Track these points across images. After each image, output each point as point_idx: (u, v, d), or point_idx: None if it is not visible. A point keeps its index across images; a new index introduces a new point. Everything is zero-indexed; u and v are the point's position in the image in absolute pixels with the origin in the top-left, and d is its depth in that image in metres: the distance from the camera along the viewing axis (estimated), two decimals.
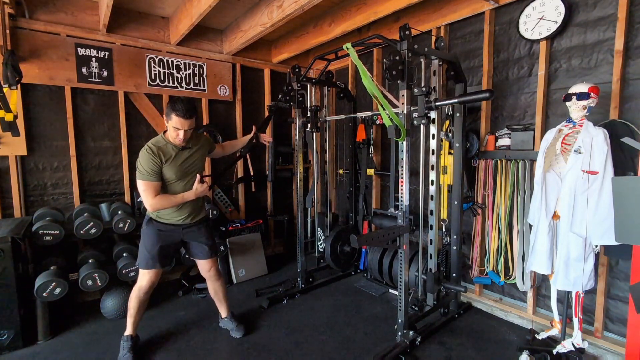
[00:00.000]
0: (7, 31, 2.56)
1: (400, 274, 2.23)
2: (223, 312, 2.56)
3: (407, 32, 2.02)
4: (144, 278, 2.20)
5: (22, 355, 2.29)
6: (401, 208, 2.19)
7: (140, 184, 2.03)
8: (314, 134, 3.35)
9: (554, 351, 2.08)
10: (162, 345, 2.40)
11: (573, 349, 2.04)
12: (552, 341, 2.23)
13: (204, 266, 2.40)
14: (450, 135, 2.58)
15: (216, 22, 3.43)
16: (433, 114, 2.29)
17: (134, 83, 3.21)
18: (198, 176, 2.21)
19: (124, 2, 2.98)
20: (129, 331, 2.26)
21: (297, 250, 3.24)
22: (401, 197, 2.19)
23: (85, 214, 2.75)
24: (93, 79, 3.00)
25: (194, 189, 2.18)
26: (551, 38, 2.34)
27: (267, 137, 2.88)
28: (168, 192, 2.14)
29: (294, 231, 4.20)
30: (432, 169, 2.36)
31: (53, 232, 2.49)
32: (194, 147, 2.23)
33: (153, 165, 2.02)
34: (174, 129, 2.03)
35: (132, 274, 2.73)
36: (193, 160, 2.22)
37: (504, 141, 2.53)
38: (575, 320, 2.03)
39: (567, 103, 1.96)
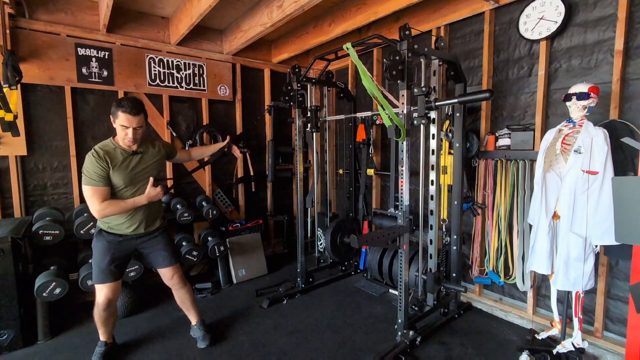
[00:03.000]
0: (7, 31, 2.56)
1: (400, 274, 2.23)
2: (192, 319, 2.45)
3: (407, 32, 2.02)
4: (99, 294, 2.08)
5: (22, 355, 2.29)
6: (401, 208, 2.19)
7: (86, 190, 1.91)
8: (314, 134, 3.35)
9: (554, 351, 2.08)
10: (162, 345, 2.40)
11: (573, 349, 2.04)
12: (552, 341, 2.23)
13: (166, 274, 2.26)
14: (450, 135, 2.58)
15: (216, 22, 3.43)
16: (433, 114, 2.29)
17: (134, 83, 3.21)
18: (151, 179, 2.07)
19: (124, 2, 2.98)
20: (102, 337, 2.21)
21: (297, 250, 3.24)
22: (401, 197, 2.19)
23: (85, 214, 2.75)
24: (93, 79, 3.00)
25: (146, 193, 2.04)
26: (551, 38, 2.34)
27: (237, 152, 2.68)
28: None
29: (294, 231, 4.20)
30: (432, 169, 2.36)
31: (53, 232, 2.49)
32: (146, 152, 2.10)
33: (98, 169, 1.91)
34: (122, 127, 1.93)
35: (132, 273, 2.73)
36: (144, 167, 2.08)
37: (504, 141, 2.53)
38: (575, 320, 2.03)
39: (567, 103, 1.96)
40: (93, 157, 1.92)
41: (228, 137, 2.71)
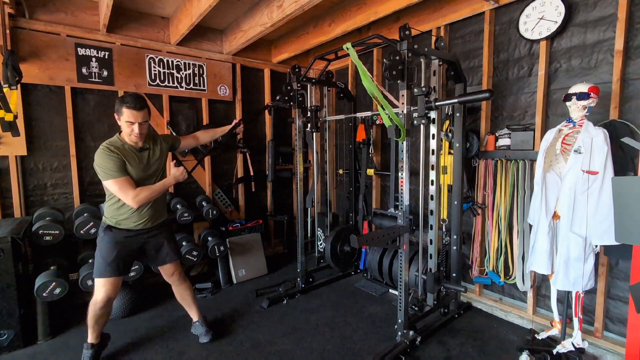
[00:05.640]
0: (7, 31, 2.56)
1: (400, 274, 2.23)
2: (193, 316, 2.47)
3: (407, 32, 2.02)
4: (99, 290, 2.05)
5: (22, 355, 2.29)
6: (401, 208, 2.19)
7: (112, 184, 1.92)
8: (314, 134, 3.35)
9: (554, 351, 2.08)
10: (163, 345, 2.40)
11: (573, 349, 2.04)
12: (552, 341, 2.23)
13: (167, 270, 2.31)
14: (450, 135, 2.58)
15: (216, 22, 3.43)
16: (433, 114, 2.29)
17: (134, 83, 3.21)
18: (174, 161, 2.22)
19: (124, 2, 2.98)
20: (90, 339, 2.16)
21: (297, 250, 3.24)
22: (401, 197, 2.19)
23: (85, 214, 2.75)
24: (93, 79, 3.00)
25: (172, 174, 2.15)
26: (551, 38, 2.34)
27: (240, 129, 2.74)
28: None
29: (294, 231, 4.20)
30: (432, 169, 2.36)
31: (53, 232, 2.49)
32: (152, 147, 2.16)
33: (116, 161, 1.94)
34: (128, 123, 1.96)
35: (132, 273, 2.73)
36: (154, 161, 2.15)
37: (504, 141, 2.53)
38: (575, 320, 2.03)
39: (567, 103, 1.96)
40: (104, 151, 1.95)
41: (237, 118, 2.74)
